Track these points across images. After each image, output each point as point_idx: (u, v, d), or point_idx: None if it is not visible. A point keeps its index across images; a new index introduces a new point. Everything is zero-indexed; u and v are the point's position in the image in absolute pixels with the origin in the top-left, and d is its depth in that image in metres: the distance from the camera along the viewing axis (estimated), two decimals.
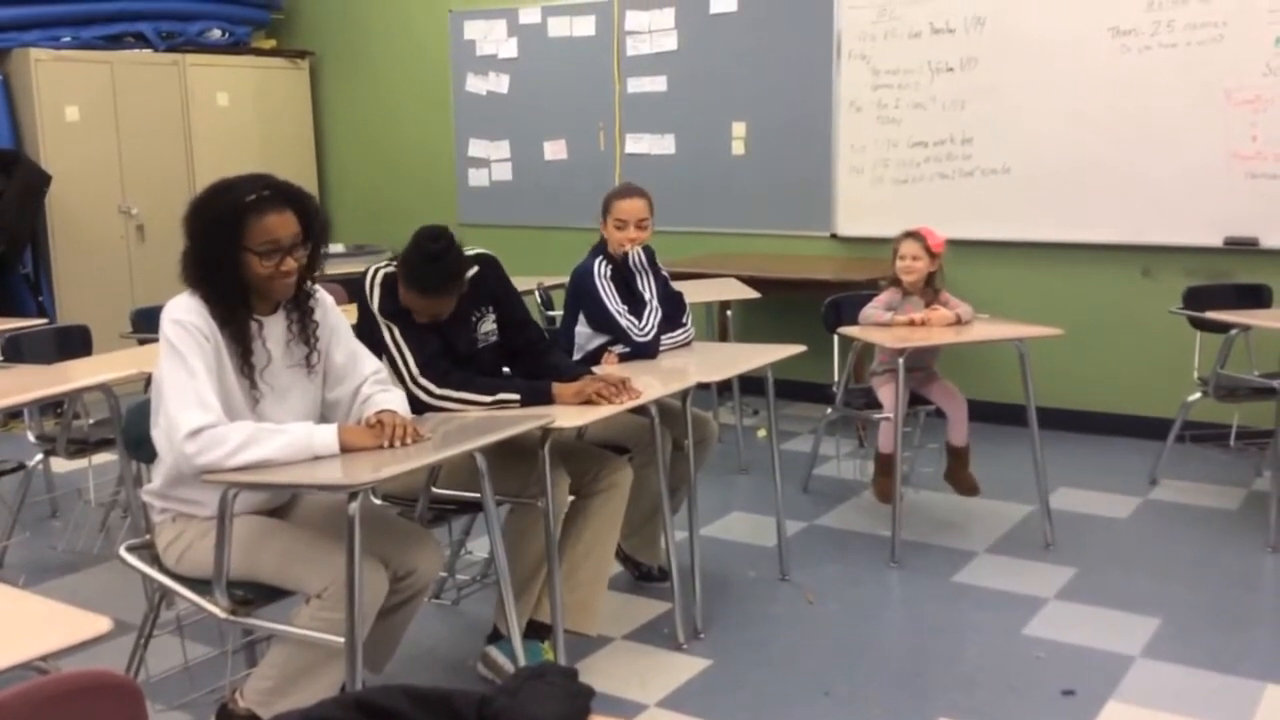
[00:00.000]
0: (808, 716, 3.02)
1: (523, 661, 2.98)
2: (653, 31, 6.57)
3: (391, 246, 7.30)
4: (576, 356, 3.68)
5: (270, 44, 7.82)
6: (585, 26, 6.78)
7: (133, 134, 6.87)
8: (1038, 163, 5.57)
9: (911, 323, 4.21)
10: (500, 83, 7.12)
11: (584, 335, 3.73)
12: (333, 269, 6.37)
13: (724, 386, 5.50)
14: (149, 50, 7.01)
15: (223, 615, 2.54)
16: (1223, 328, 4.49)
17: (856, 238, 6.09)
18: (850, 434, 5.49)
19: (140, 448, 2.77)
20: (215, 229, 2.52)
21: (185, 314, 2.52)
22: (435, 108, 7.41)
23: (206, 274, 2.54)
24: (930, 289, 4.31)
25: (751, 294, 5.34)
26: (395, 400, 2.77)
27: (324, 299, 2.79)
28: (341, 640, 2.43)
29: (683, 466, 3.55)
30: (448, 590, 3.78)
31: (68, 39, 6.69)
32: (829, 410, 4.65)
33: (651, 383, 3.27)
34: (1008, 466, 4.82)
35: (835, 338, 4.55)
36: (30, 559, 4.24)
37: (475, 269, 3.18)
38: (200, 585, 2.58)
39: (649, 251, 3.79)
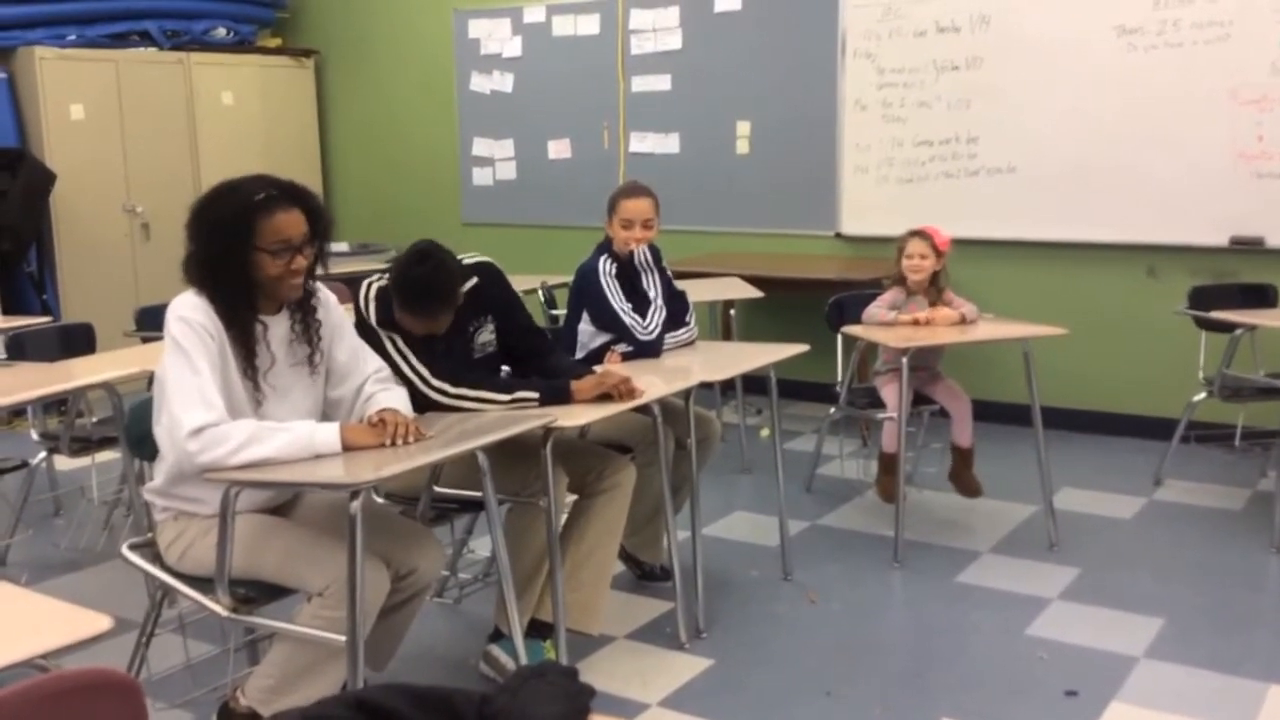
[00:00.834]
0: (810, 716, 3.02)
1: (524, 660, 2.98)
2: (657, 30, 6.56)
3: (396, 245, 7.29)
4: (579, 355, 3.68)
5: (275, 43, 7.82)
6: (589, 25, 6.78)
7: (137, 132, 6.88)
8: (1043, 162, 5.56)
9: (916, 322, 4.20)
10: (504, 81, 7.12)
11: (587, 333, 3.73)
12: (337, 268, 6.38)
13: (727, 386, 5.49)
14: (154, 49, 7.02)
15: (224, 613, 2.54)
16: (1228, 327, 4.48)
17: (861, 237, 6.08)
18: (854, 434, 5.48)
19: (143, 446, 2.78)
20: (224, 230, 2.52)
21: (191, 312, 2.52)
22: (440, 106, 7.41)
23: (213, 275, 2.54)
24: (934, 288, 4.30)
25: (755, 293, 5.33)
26: (397, 399, 2.77)
27: (327, 297, 2.79)
28: (343, 639, 2.43)
29: (685, 466, 3.55)
30: (450, 589, 3.78)
31: (73, 37, 6.69)
32: (832, 410, 4.64)
33: (654, 381, 3.27)
34: (1012, 466, 4.81)
35: (839, 337, 4.54)
36: (33, 557, 4.25)
37: (473, 280, 3.17)
38: (202, 583, 2.58)
39: (654, 250, 3.79)
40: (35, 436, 4.24)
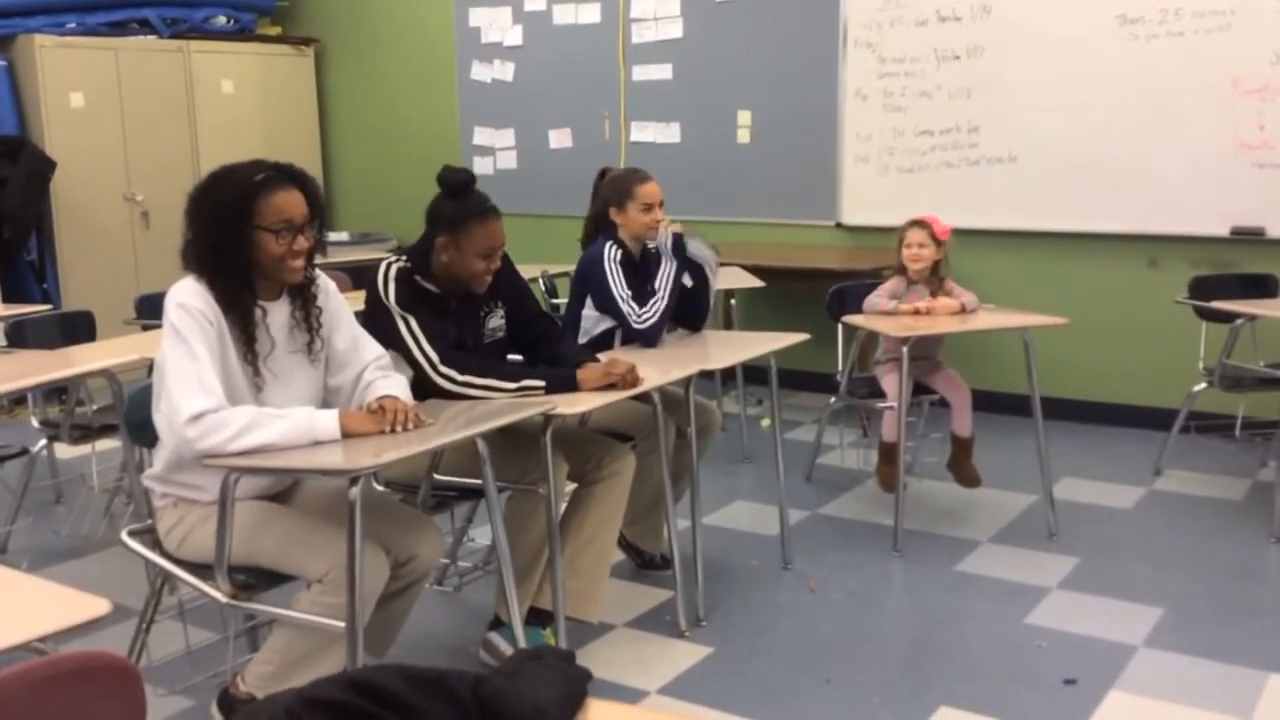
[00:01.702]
0: (809, 704, 3.02)
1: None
2: (658, 19, 6.55)
3: (396, 234, 7.31)
4: (581, 340, 3.67)
5: (275, 31, 7.81)
6: (590, 14, 6.76)
7: (137, 121, 6.87)
8: (1044, 152, 5.55)
9: (916, 312, 4.20)
10: (505, 70, 7.11)
11: (590, 319, 3.72)
12: (337, 256, 6.42)
13: (728, 375, 5.50)
14: (154, 37, 7.00)
15: (224, 600, 2.54)
16: (1228, 318, 4.48)
17: (862, 227, 6.07)
18: (854, 423, 5.48)
19: (143, 433, 2.77)
20: (225, 211, 2.52)
21: (190, 297, 2.52)
22: (440, 95, 7.40)
23: (214, 260, 2.54)
24: (935, 278, 4.30)
25: (756, 282, 5.33)
26: (397, 385, 2.77)
27: (326, 284, 2.79)
28: (342, 625, 2.43)
29: (686, 455, 3.55)
30: (449, 577, 3.79)
31: (73, 25, 6.68)
32: (833, 399, 4.64)
33: (654, 371, 3.26)
34: (1012, 456, 4.81)
35: (839, 326, 4.54)
36: (34, 544, 4.25)
37: None
38: (202, 570, 2.58)
39: (679, 239, 3.74)
40: (36, 424, 4.24)
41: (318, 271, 2.76)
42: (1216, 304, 4.53)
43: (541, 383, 3.03)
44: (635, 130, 6.72)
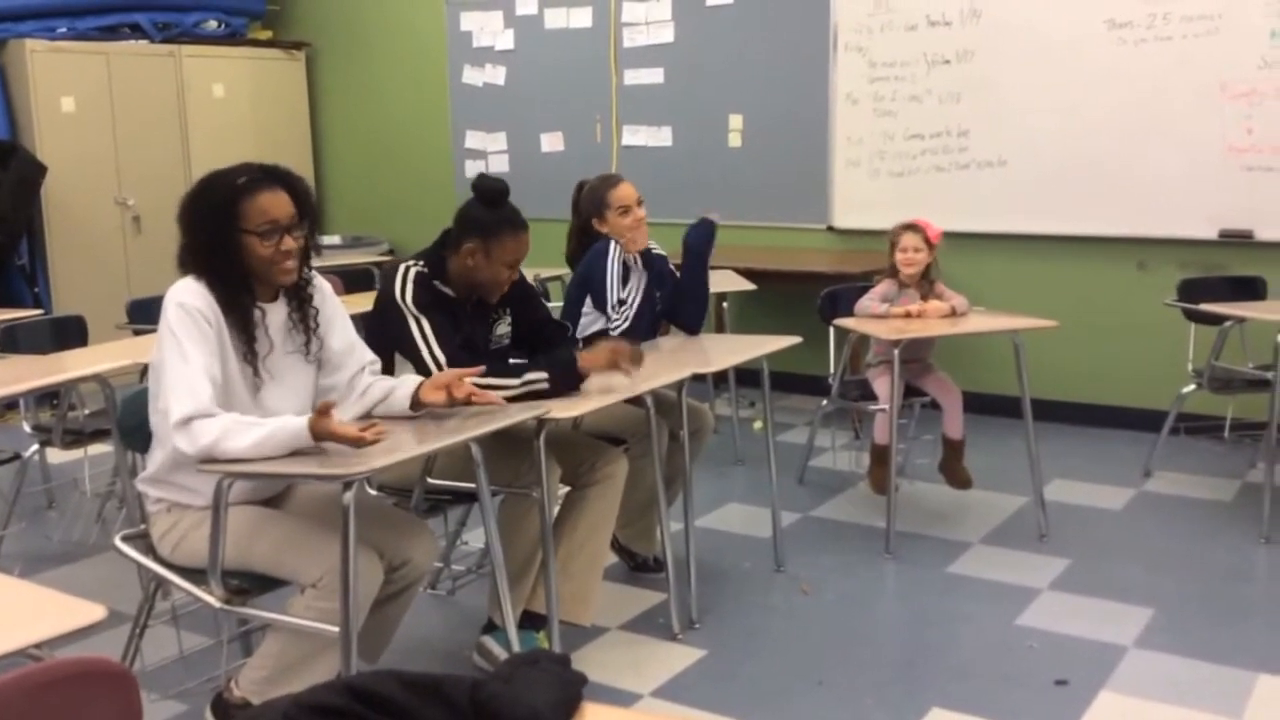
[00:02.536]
0: (802, 706, 3.03)
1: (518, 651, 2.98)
2: (650, 23, 6.57)
3: (388, 238, 7.30)
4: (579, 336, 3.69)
5: (266, 35, 7.81)
6: (582, 18, 6.77)
7: (129, 125, 6.86)
8: (1034, 155, 5.57)
9: (907, 314, 4.21)
10: (497, 74, 7.12)
11: (588, 317, 3.73)
12: (330, 260, 6.41)
13: (720, 378, 5.52)
14: (145, 41, 7.00)
15: (218, 605, 2.55)
16: (1217, 320, 4.50)
17: (853, 230, 6.09)
18: (846, 425, 5.49)
19: (135, 438, 2.77)
20: (211, 216, 2.53)
21: (189, 297, 2.52)
22: (432, 99, 7.40)
23: (208, 264, 2.55)
24: (926, 281, 4.32)
25: (748, 286, 5.35)
26: (392, 384, 2.78)
27: (322, 285, 2.79)
28: (336, 630, 2.44)
29: (679, 457, 3.56)
30: (443, 581, 3.79)
31: (64, 30, 6.67)
32: (825, 402, 4.66)
33: (647, 374, 3.27)
34: (1002, 458, 4.83)
35: (831, 329, 4.56)
36: (26, 550, 4.24)
37: None
38: (195, 575, 2.58)
39: (661, 259, 3.79)
40: (27, 429, 4.23)
41: (314, 273, 2.77)
42: (1205, 306, 4.55)
43: (544, 374, 3.02)
44: (627, 134, 6.73)
